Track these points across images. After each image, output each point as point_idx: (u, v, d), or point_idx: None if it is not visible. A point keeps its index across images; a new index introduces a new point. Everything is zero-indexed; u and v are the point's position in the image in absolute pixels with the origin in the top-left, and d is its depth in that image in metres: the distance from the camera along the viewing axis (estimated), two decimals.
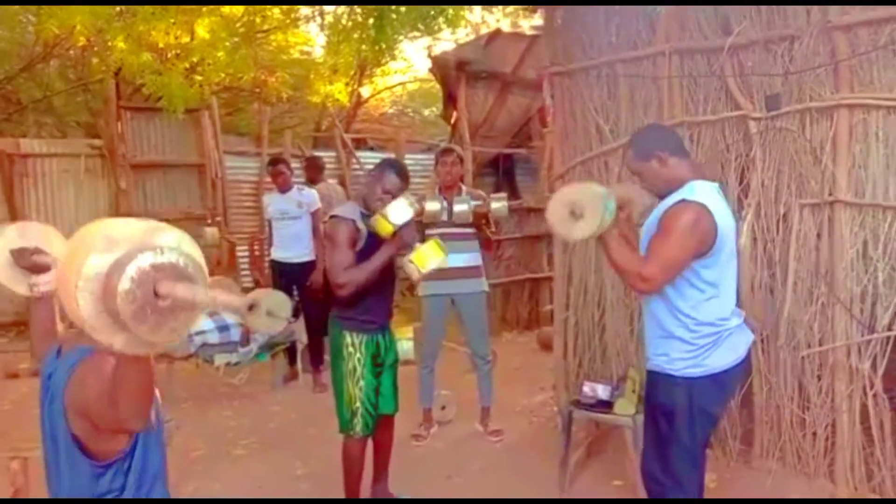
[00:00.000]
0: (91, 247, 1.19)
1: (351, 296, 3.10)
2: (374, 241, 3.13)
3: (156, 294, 1.18)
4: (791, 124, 3.39)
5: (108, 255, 1.19)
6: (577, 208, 2.31)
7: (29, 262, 2.12)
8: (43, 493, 3.28)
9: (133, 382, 1.47)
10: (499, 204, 4.31)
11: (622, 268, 2.39)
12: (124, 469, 1.81)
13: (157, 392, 1.97)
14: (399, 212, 3.01)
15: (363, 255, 3.12)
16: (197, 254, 1.28)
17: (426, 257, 3.06)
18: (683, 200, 2.35)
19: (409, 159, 9.80)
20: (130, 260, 1.17)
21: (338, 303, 3.19)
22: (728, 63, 3.54)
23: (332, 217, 3.19)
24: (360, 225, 3.12)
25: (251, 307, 1.12)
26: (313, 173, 6.74)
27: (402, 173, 3.26)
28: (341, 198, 6.47)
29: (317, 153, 9.16)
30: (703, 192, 2.38)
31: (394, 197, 3.23)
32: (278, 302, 4.66)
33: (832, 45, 3.23)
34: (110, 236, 1.21)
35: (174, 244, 1.25)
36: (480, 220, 4.38)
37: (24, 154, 8.22)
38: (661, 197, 2.51)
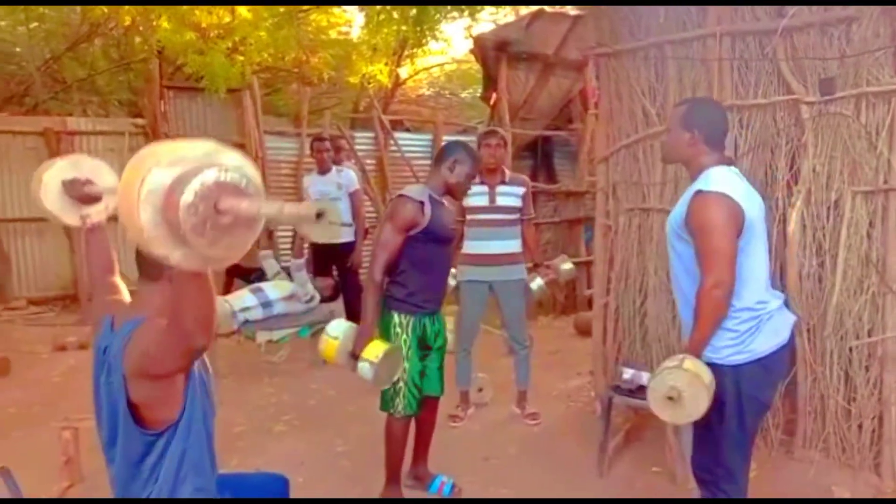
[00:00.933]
0: (156, 162, 1.22)
1: (398, 276, 3.15)
2: (437, 227, 3.14)
3: (216, 210, 1.21)
4: (845, 109, 3.30)
5: (172, 170, 1.22)
6: (672, 392, 2.29)
7: (80, 192, 2.15)
8: (91, 463, 3.39)
9: (194, 296, 1.49)
10: (567, 266, 4.64)
11: (708, 314, 2.32)
12: (174, 438, 1.85)
13: (209, 367, 2.02)
14: (379, 375, 2.99)
15: (425, 238, 3.11)
16: (257, 176, 1.30)
17: (374, 349, 3.02)
18: (700, 192, 2.33)
19: (447, 141, 9.80)
20: (195, 175, 1.20)
21: (390, 283, 3.19)
22: (781, 46, 3.45)
23: (400, 195, 3.17)
24: (427, 209, 3.10)
25: (319, 215, 1.12)
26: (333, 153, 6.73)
27: (470, 149, 3.31)
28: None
29: (356, 134, 9.21)
30: (720, 178, 2.35)
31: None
32: (333, 210, 4.81)
33: (894, 27, 3.13)
34: (175, 153, 1.24)
35: (237, 165, 1.28)
36: (554, 287, 4.52)
37: (70, 131, 8.40)
38: (665, 161, 2.63)
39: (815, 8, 3.35)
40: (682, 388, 2.25)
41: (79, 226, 2.24)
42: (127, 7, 7.14)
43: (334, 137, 7.28)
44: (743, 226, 2.31)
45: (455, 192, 3.29)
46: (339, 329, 3.14)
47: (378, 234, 3.20)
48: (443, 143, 3.46)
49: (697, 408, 2.27)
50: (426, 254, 3.15)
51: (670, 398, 2.28)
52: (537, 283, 4.43)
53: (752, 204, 2.36)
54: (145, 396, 1.77)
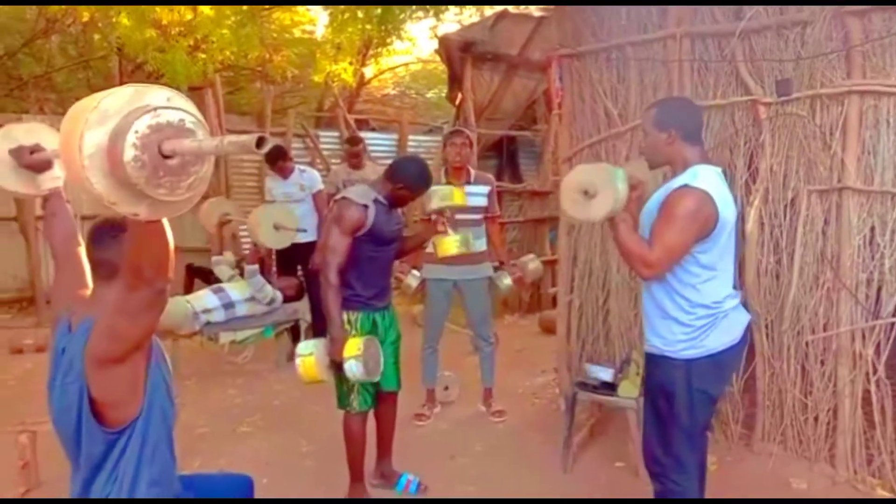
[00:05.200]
0: (84, 125, 1.17)
1: (342, 276, 3.13)
2: (380, 230, 3.15)
3: (163, 155, 1.17)
4: (801, 110, 3.38)
5: (103, 128, 1.17)
6: (590, 188, 2.33)
7: (29, 159, 2.05)
8: (48, 467, 3.32)
9: (150, 241, 1.47)
10: (534, 265, 4.61)
11: (628, 251, 2.40)
12: (133, 435, 1.82)
13: (170, 366, 2.00)
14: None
15: (365, 239, 3.12)
16: (191, 106, 1.26)
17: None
18: (686, 186, 2.35)
19: (413, 141, 9.80)
20: (128, 127, 1.16)
21: None
22: (739, 47, 3.53)
23: (344, 198, 3.17)
24: (371, 211, 3.12)
25: (260, 142, 1.09)
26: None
27: (425, 178, 3.27)
28: None
29: (320, 133, 9.18)
30: (706, 177, 2.39)
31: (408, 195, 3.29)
32: (285, 214, 4.82)
33: (845, 31, 3.22)
34: (100, 109, 1.19)
35: (165, 102, 1.23)
36: (521, 286, 4.52)
37: None
38: (652, 167, 2.59)
39: (771, 11, 3.44)
40: (599, 190, 2.33)
41: (38, 195, 2.14)
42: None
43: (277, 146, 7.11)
44: (712, 228, 2.34)
45: (397, 204, 3.31)
46: (308, 347, 3.15)
47: (326, 238, 3.20)
48: (401, 158, 3.45)
49: (596, 211, 2.35)
50: (369, 254, 3.17)
51: (586, 192, 2.35)
52: (505, 282, 4.44)
53: (727, 207, 2.40)
54: (108, 390, 1.74)
